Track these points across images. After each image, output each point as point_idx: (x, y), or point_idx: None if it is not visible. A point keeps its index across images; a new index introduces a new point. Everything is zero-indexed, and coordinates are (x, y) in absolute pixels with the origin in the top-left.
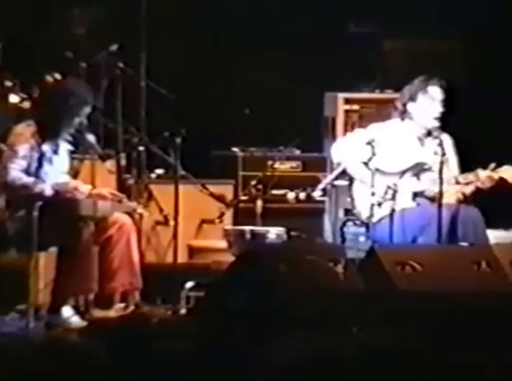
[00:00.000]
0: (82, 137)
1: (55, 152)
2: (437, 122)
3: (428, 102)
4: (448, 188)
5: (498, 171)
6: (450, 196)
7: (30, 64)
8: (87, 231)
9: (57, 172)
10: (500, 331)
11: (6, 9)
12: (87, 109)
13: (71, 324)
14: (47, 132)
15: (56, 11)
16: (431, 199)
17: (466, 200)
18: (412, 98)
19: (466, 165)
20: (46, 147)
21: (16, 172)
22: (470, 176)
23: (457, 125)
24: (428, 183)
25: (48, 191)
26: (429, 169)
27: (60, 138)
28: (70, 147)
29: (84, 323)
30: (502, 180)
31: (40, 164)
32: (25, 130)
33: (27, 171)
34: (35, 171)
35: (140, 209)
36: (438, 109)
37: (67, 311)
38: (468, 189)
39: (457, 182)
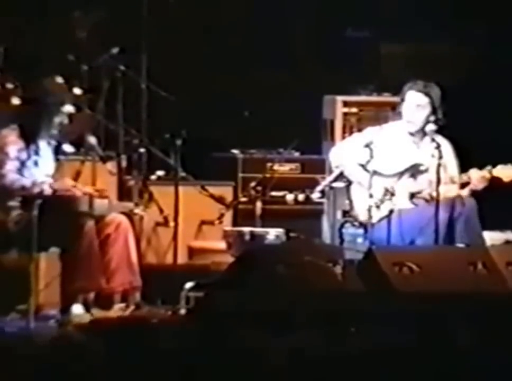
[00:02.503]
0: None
1: (37, 152)
2: (432, 126)
3: (407, 107)
4: (445, 190)
5: (493, 170)
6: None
7: (32, 67)
8: (88, 227)
9: (42, 174)
10: (497, 332)
11: (8, 12)
12: (66, 109)
13: (81, 321)
14: (28, 133)
15: (58, 15)
16: (427, 201)
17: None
18: (402, 99)
19: (464, 167)
20: (31, 149)
21: (13, 174)
22: (464, 177)
23: (454, 127)
24: (424, 184)
25: (47, 191)
26: (426, 170)
27: (41, 139)
28: (70, 148)
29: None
30: (497, 179)
31: (27, 166)
32: (10, 133)
33: (20, 173)
34: (24, 173)
35: (137, 210)
36: (420, 115)
37: (77, 308)
38: (464, 192)
39: (453, 182)
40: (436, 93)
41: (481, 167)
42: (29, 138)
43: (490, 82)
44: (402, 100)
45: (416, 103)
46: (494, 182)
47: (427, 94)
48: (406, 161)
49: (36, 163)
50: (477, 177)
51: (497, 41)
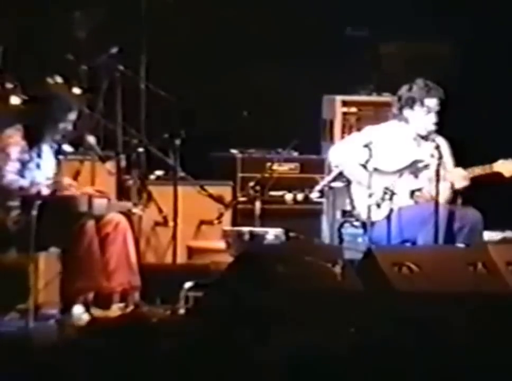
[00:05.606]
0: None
1: (39, 155)
2: (432, 128)
3: (424, 113)
4: (444, 188)
5: (494, 165)
6: (441, 196)
7: (32, 67)
8: (88, 227)
9: (43, 176)
10: (496, 332)
11: (7, 12)
12: (72, 116)
13: (81, 321)
14: (32, 135)
15: (57, 14)
16: (427, 200)
17: (455, 198)
18: (410, 105)
19: (463, 166)
20: (33, 151)
21: (12, 175)
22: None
23: (451, 126)
24: (425, 181)
25: (45, 191)
26: (426, 167)
27: (44, 143)
28: (69, 148)
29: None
30: (498, 174)
31: (29, 168)
32: (14, 133)
33: (20, 174)
34: (25, 174)
35: (136, 210)
36: (432, 120)
37: (78, 309)
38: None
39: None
40: (444, 95)
41: (480, 164)
42: (32, 140)
43: (489, 81)
44: (409, 105)
45: (435, 110)
46: (495, 177)
47: (441, 99)
48: (407, 158)
49: (38, 166)
50: (457, 177)
51: (497, 41)
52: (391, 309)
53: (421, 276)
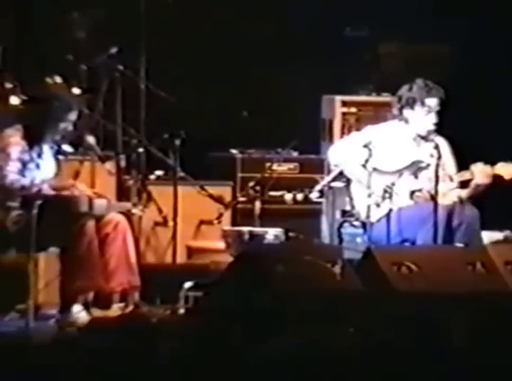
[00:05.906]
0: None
1: (40, 156)
2: (432, 128)
3: (425, 113)
4: (444, 189)
5: (493, 168)
6: (446, 197)
7: (31, 67)
8: (88, 227)
9: (43, 177)
10: (496, 331)
11: (7, 12)
12: (72, 115)
13: (79, 319)
14: (32, 136)
15: (57, 15)
16: (427, 200)
17: (462, 202)
18: (410, 105)
19: (462, 167)
20: (33, 152)
21: (13, 174)
22: (466, 174)
23: (451, 126)
24: (425, 181)
25: (47, 191)
26: (426, 167)
27: (44, 143)
28: (69, 148)
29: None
30: (497, 177)
31: (29, 168)
32: (14, 133)
33: (20, 173)
34: (25, 174)
35: (135, 210)
36: (432, 120)
37: (77, 308)
38: (465, 192)
39: (452, 180)
40: (444, 95)
41: None
42: (33, 140)
43: (489, 82)
44: (409, 105)
45: (435, 110)
46: (495, 180)
47: (441, 99)
48: (407, 158)
49: (38, 166)
50: (480, 172)
51: (497, 41)
52: (391, 309)
53: (421, 276)
